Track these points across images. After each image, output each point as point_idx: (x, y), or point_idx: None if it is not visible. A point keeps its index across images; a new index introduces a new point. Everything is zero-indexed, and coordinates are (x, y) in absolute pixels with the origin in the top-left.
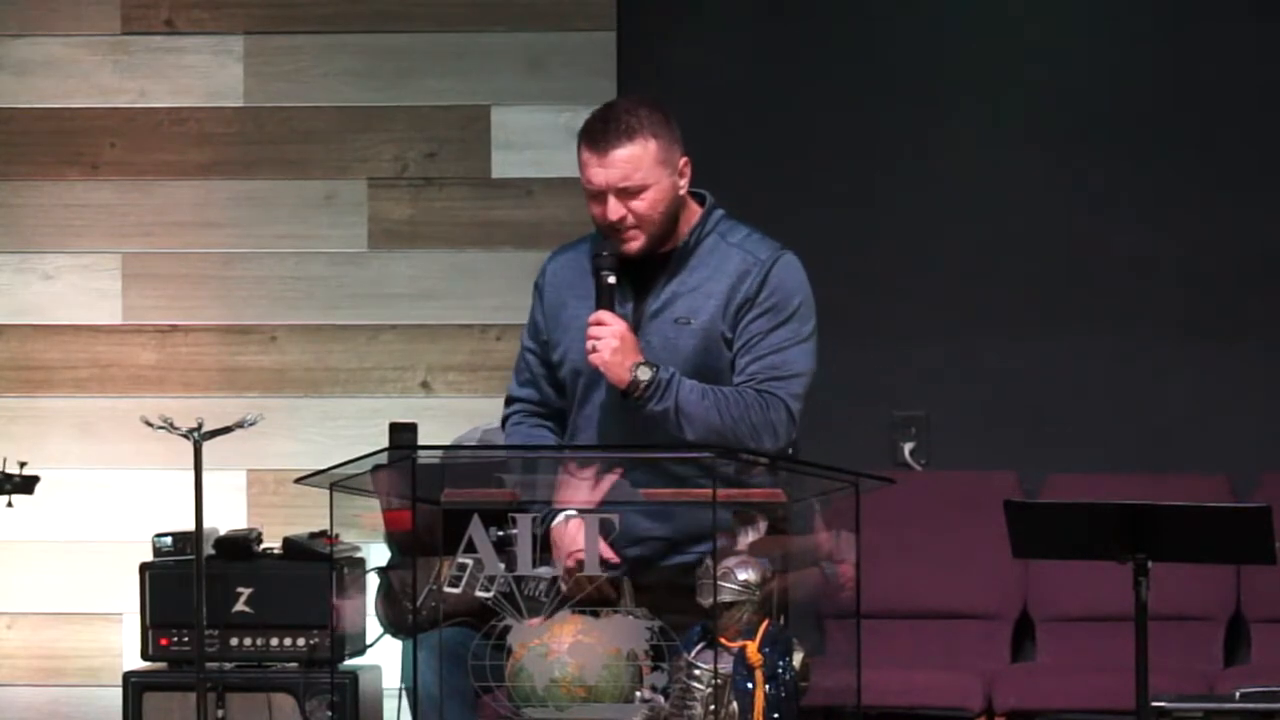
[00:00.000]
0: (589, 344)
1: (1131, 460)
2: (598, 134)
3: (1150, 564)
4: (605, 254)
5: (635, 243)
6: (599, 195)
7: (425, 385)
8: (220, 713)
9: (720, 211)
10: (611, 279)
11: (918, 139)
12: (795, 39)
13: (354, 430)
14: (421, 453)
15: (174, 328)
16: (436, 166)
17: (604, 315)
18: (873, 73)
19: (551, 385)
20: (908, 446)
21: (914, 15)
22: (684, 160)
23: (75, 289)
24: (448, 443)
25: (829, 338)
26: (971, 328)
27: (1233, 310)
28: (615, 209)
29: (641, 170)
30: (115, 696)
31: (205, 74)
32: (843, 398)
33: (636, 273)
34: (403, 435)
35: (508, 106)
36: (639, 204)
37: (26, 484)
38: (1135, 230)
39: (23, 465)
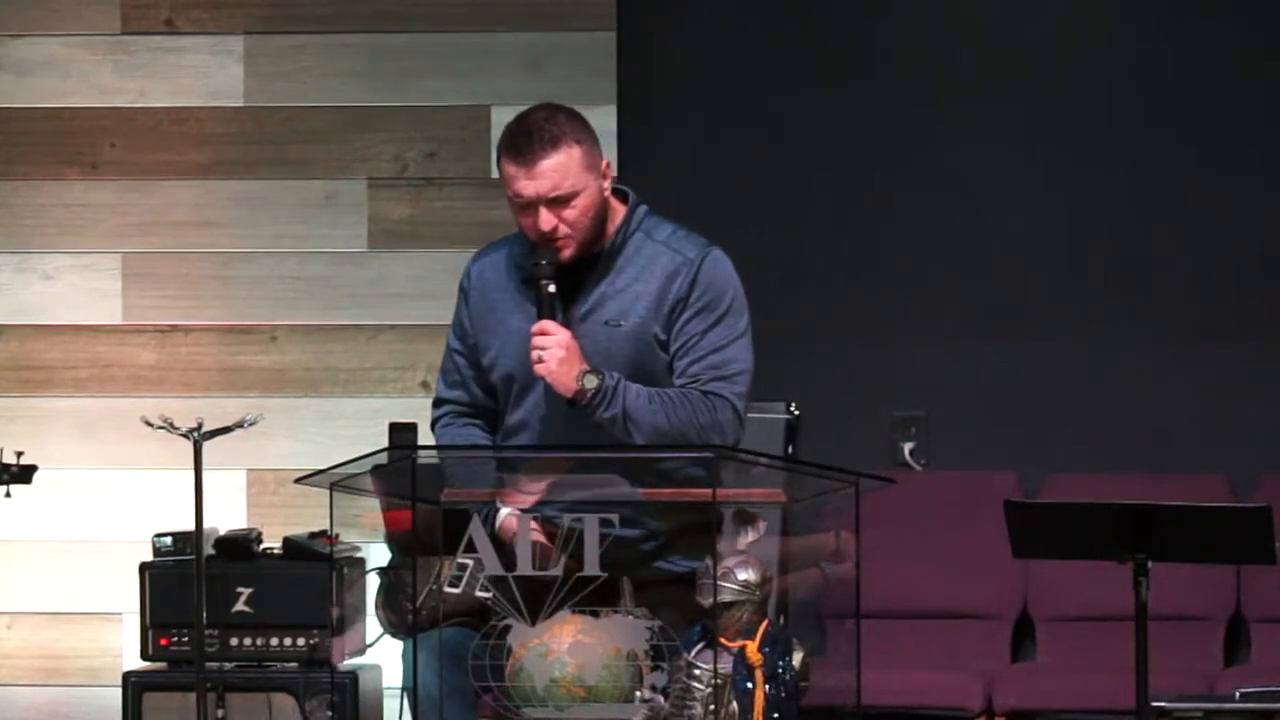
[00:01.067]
0: (534, 354)
1: (1131, 460)
2: (522, 146)
3: (1150, 564)
4: (544, 263)
5: (567, 250)
6: (528, 207)
7: (425, 385)
8: (220, 713)
9: (644, 208)
10: (551, 288)
11: (917, 139)
12: (795, 39)
13: (354, 430)
14: (421, 453)
15: (174, 328)
16: (436, 166)
17: (547, 325)
18: (873, 73)
19: (480, 386)
20: (908, 446)
21: (914, 15)
22: (605, 162)
23: (75, 289)
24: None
25: (830, 337)
26: (971, 328)
27: (1233, 310)
28: (547, 220)
29: (570, 178)
30: (115, 696)
31: (205, 74)
32: (843, 398)
33: (563, 276)
34: (403, 435)
35: (508, 106)
36: (570, 212)
37: (24, 473)
38: (1135, 230)
39: (19, 455)
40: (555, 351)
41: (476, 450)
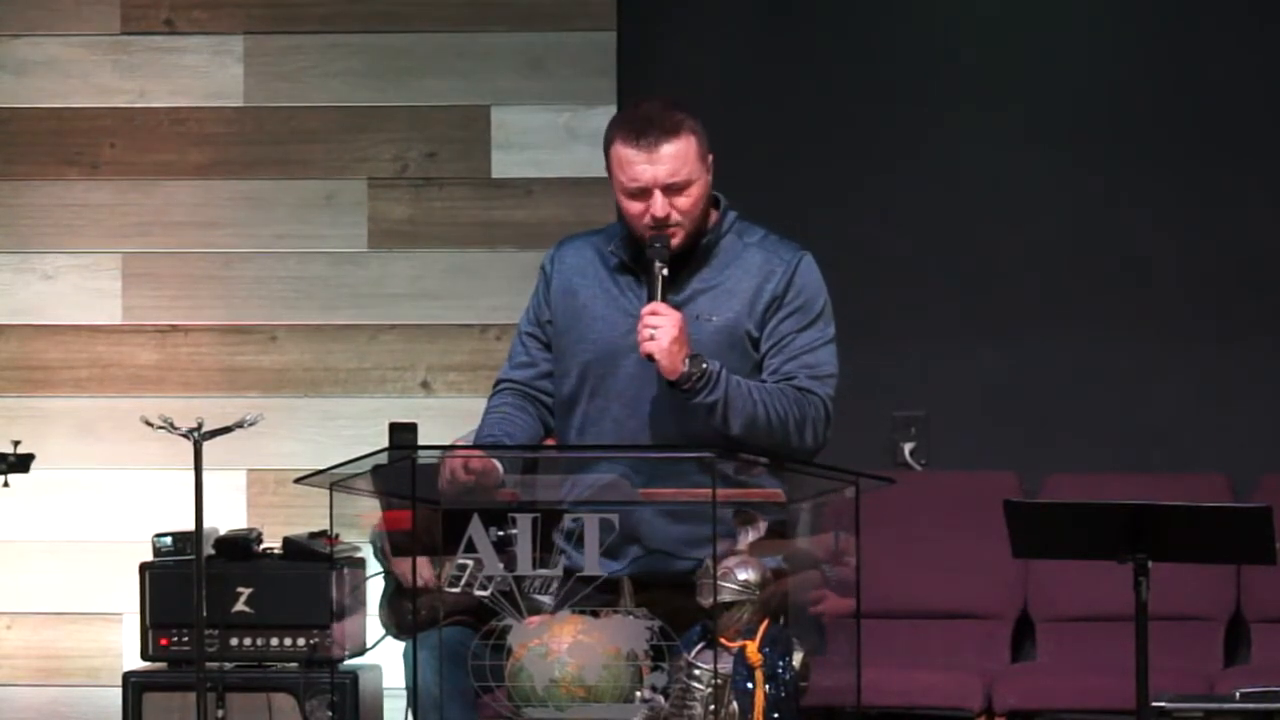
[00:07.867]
0: (645, 333)
1: (1131, 460)
2: (643, 130)
3: (1150, 564)
4: (659, 245)
5: (676, 239)
6: (641, 193)
7: (425, 385)
8: (220, 713)
9: (734, 213)
10: (665, 271)
11: (917, 139)
12: (795, 39)
13: (354, 430)
14: (421, 453)
15: (174, 328)
16: (436, 166)
17: (660, 306)
18: (872, 73)
19: (543, 370)
20: (908, 446)
21: (914, 16)
22: (711, 156)
23: (75, 289)
24: (448, 443)
25: None
26: (971, 328)
27: (1232, 310)
28: (662, 205)
29: (688, 165)
30: (115, 696)
31: (205, 74)
32: (843, 398)
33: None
34: (403, 435)
35: (508, 106)
36: (684, 200)
37: (22, 462)
38: (1135, 230)
39: (16, 444)
40: (669, 331)
41: (479, 448)
